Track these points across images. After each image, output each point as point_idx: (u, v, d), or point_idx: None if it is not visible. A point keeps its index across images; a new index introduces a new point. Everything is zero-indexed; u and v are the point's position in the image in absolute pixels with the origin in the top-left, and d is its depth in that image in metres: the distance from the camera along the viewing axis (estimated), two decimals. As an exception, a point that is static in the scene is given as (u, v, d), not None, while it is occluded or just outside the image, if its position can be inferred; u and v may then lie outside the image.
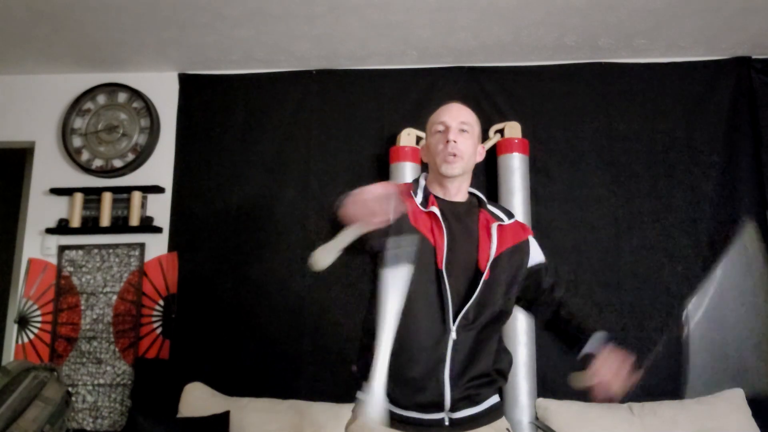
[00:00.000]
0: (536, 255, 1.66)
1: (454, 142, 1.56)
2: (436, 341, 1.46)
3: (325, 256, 1.39)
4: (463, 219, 1.58)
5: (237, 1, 2.64)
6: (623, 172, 3.05)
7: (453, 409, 1.47)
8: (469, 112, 1.65)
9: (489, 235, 1.55)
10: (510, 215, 1.65)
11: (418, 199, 1.56)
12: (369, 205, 1.27)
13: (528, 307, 1.73)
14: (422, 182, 1.63)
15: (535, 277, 1.64)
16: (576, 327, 1.63)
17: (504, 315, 1.57)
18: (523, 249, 1.62)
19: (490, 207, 1.64)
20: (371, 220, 1.27)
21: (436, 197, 1.59)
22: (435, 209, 1.53)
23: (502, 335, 1.61)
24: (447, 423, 1.47)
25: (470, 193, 1.67)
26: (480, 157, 1.67)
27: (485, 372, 1.50)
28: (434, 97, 3.06)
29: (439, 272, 1.48)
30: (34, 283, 3.19)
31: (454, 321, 1.46)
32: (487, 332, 1.51)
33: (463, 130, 1.60)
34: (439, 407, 1.46)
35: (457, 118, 1.61)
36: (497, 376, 1.56)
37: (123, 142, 3.28)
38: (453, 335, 1.46)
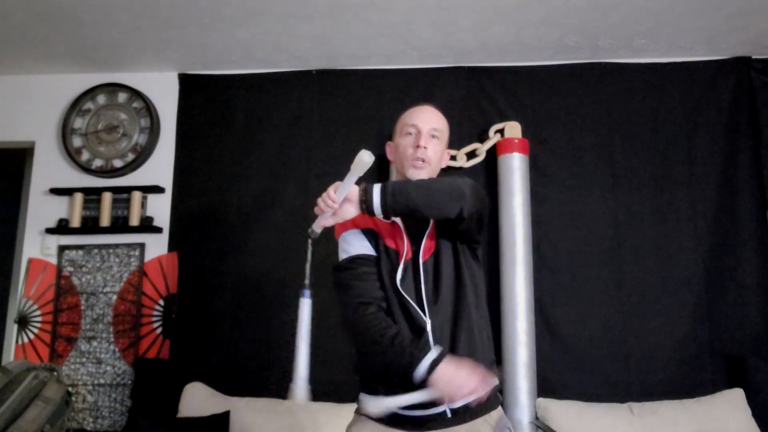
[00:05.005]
0: None
1: (424, 148, 1.58)
2: (418, 335, 1.48)
3: None
4: None
5: (237, 1, 2.64)
6: (623, 172, 3.05)
7: None
8: (441, 118, 1.66)
9: None
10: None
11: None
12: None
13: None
14: None
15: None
16: None
17: (470, 279, 1.54)
18: None
19: None
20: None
21: None
22: (396, 219, 1.56)
23: (487, 319, 1.59)
24: (449, 415, 1.48)
25: None
26: (445, 162, 1.69)
27: (471, 351, 1.49)
28: (434, 97, 3.06)
29: (401, 274, 1.52)
30: (34, 283, 3.19)
31: (425, 311, 1.49)
32: (461, 310, 1.51)
33: (433, 136, 1.61)
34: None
35: (429, 123, 1.62)
36: (487, 353, 1.55)
37: (123, 142, 3.28)
38: (428, 322, 1.48)
